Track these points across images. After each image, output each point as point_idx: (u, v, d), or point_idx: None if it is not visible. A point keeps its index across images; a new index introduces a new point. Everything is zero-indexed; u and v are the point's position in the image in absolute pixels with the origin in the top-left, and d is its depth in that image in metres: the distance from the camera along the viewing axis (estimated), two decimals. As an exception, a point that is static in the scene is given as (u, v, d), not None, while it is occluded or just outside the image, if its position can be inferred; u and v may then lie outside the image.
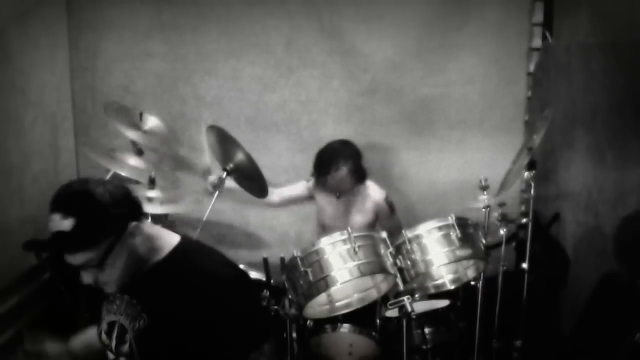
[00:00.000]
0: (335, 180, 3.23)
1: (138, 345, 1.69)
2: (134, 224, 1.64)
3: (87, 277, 1.66)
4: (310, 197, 3.52)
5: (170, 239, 1.76)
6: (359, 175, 3.30)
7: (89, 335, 2.00)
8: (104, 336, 1.80)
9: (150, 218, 3.01)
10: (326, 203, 3.42)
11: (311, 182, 3.45)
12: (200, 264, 1.73)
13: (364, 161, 3.33)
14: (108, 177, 3.36)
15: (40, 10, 3.49)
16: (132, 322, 1.70)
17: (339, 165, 3.20)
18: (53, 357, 1.96)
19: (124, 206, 1.63)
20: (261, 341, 1.74)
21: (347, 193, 3.33)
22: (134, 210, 1.67)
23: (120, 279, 1.67)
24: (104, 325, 1.80)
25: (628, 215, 2.07)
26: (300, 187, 3.54)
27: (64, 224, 1.56)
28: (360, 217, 3.34)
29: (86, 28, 3.82)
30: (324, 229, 3.40)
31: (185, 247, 1.76)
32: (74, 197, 1.61)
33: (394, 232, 3.42)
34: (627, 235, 1.96)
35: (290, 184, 3.88)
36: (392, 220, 3.36)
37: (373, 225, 3.36)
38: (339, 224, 3.15)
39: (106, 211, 1.59)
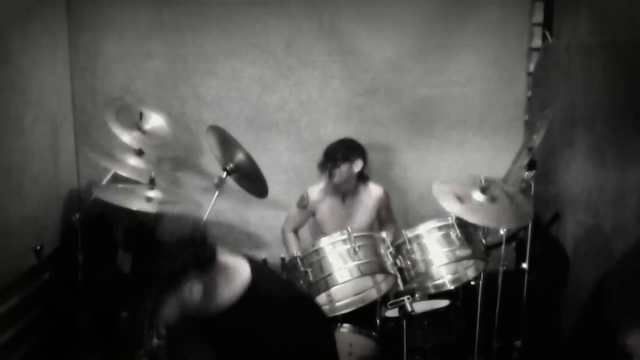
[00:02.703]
0: (344, 173, 3.20)
1: None
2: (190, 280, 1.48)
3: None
4: (312, 214, 3.46)
5: (240, 275, 1.58)
6: (363, 176, 3.31)
7: None
8: None
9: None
10: (329, 210, 3.37)
11: (313, 191, 3.39)
12: (276, 306, 1.58)
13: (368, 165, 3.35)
14: (108, 177, 3.37)
15: (40, 10, 3.49)
16: None
17: (349, 158, 3.19)
18: None
19: (185, 256, 1.47)
20: None
21: (351, 195, 3.33)
22: (193, 266, 1.48)
23: (181, 326, 1.57)
24: None
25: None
26: (301, 211, 3.44)
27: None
28: (364, 217, 3.35)
29: (86, 28, 3.82)
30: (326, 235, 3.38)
31: (257, 285, 1.59)
32: (138, 231, 1.53)
33: (389, 222, 3.43)
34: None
35: (290, 184, 3.89)
36: (389, 211, 3.44)
37: (375, 221, 3.40)
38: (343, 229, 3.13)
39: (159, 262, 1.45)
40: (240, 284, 1.57)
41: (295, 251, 2.71)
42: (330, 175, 3.22)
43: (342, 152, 3.20)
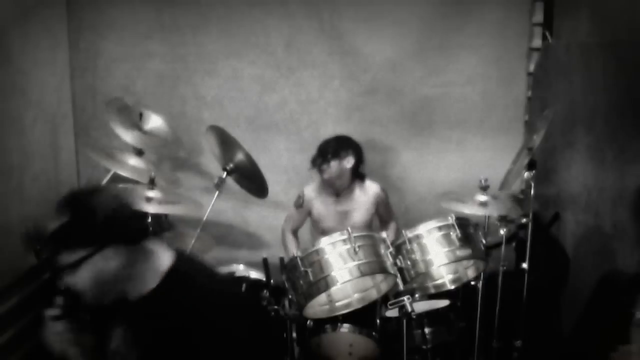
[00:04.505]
0: (333, 169, 3.20)
1: None
2: (112, 247, 1.54)
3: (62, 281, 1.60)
4: (309, 213, 3.47)
5: (162, 262, 1.65)
6: (358, 174, 3.31)
7: None
8: None
9: (150, 218, 3.01)
10: (325, 207, 3.37)
11: (308, 190, 3.39)
12: (197, 287, 1.64)
13: (365, 163, 3.35)
14: (108, 177, 3.37)
15: (41, 10, 3.49)
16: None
17: (342, 154, 3.20)
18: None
19: (112, 227, 1.54)
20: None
21: (345, 193, 3.32)
22: (121, 235, 1.55)
23: (94, 294, 1.60)
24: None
25: None
26: (298, 211, 3.45)
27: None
28: (361, 215, 3.34)
29: (86, 28, 3.82)
30: (324, 234, 3.37)
31: (177, 271, 1.65)
32: (73, 199, 1.58)
33: (389, 220, 3.43)
34: None
35: (290, 184, 3.89)
36: (388, 208, 3.44)
37: (372, 219, 3.40)
38: (341, 227, 3.13)
39: (93, 224, 1.52)
40: (161, 270, 1.63)
41: (295, 252, 2.70)
42: (320, 171, 3.25)
43: (332, 148, 3.22)
